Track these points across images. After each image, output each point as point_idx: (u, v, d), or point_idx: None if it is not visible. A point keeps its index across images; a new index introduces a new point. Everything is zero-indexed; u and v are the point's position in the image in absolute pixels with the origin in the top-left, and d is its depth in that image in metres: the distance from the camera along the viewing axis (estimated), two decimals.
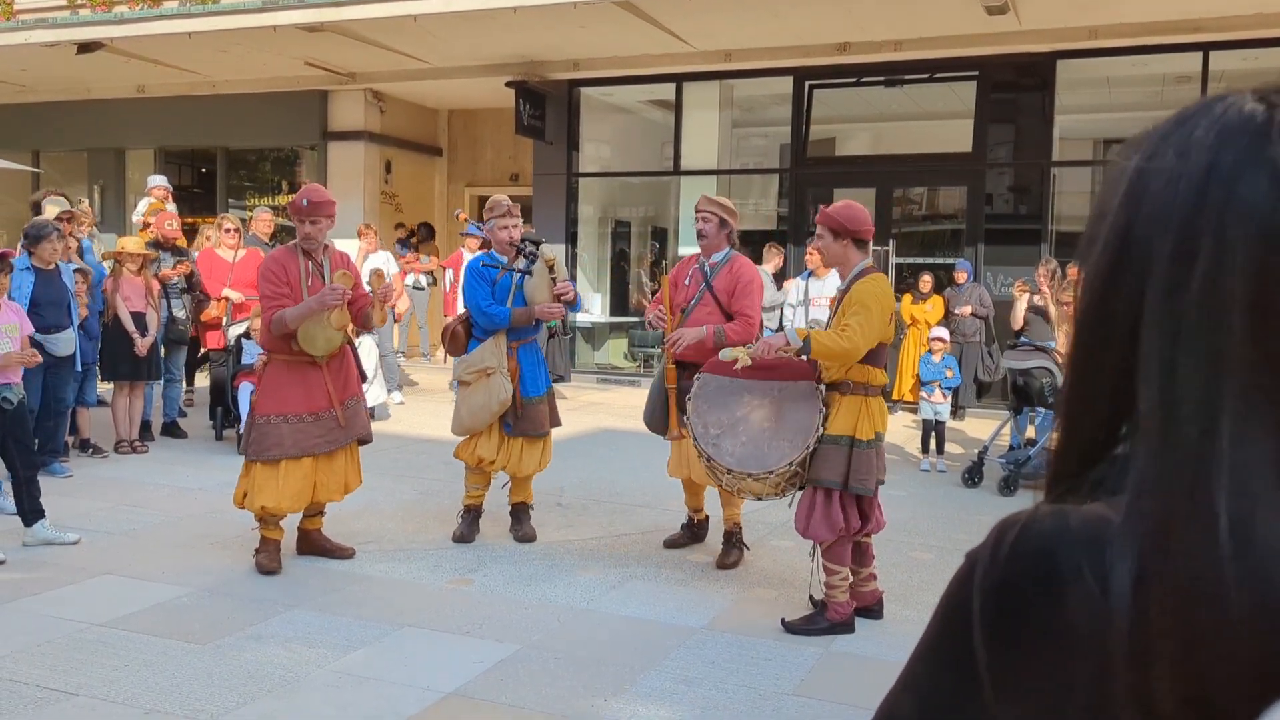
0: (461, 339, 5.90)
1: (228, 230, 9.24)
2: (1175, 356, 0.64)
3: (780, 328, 8.62)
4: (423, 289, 13.43)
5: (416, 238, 14.58)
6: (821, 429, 4.54)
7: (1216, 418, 0.63)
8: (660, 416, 5.69)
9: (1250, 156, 0.64)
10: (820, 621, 4.63)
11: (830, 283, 8.60)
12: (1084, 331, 0.72)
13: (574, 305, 5.94)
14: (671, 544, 5.90)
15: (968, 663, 0.71)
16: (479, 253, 6.69)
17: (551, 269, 5.78)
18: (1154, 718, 0.64)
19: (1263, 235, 0.63)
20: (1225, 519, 0.61)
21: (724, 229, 5.52)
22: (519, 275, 5.77)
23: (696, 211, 5.62)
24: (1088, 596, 0.66)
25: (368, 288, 5.51)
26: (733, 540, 5.64)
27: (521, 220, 5.95)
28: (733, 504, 5.58)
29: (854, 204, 4.75)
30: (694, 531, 5.97)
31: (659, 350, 5.85)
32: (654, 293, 14.30)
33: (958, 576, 0.74)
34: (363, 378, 5.77)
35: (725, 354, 4.67)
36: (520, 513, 6.07)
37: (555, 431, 6.03)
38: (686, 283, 5.60)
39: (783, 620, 4.68)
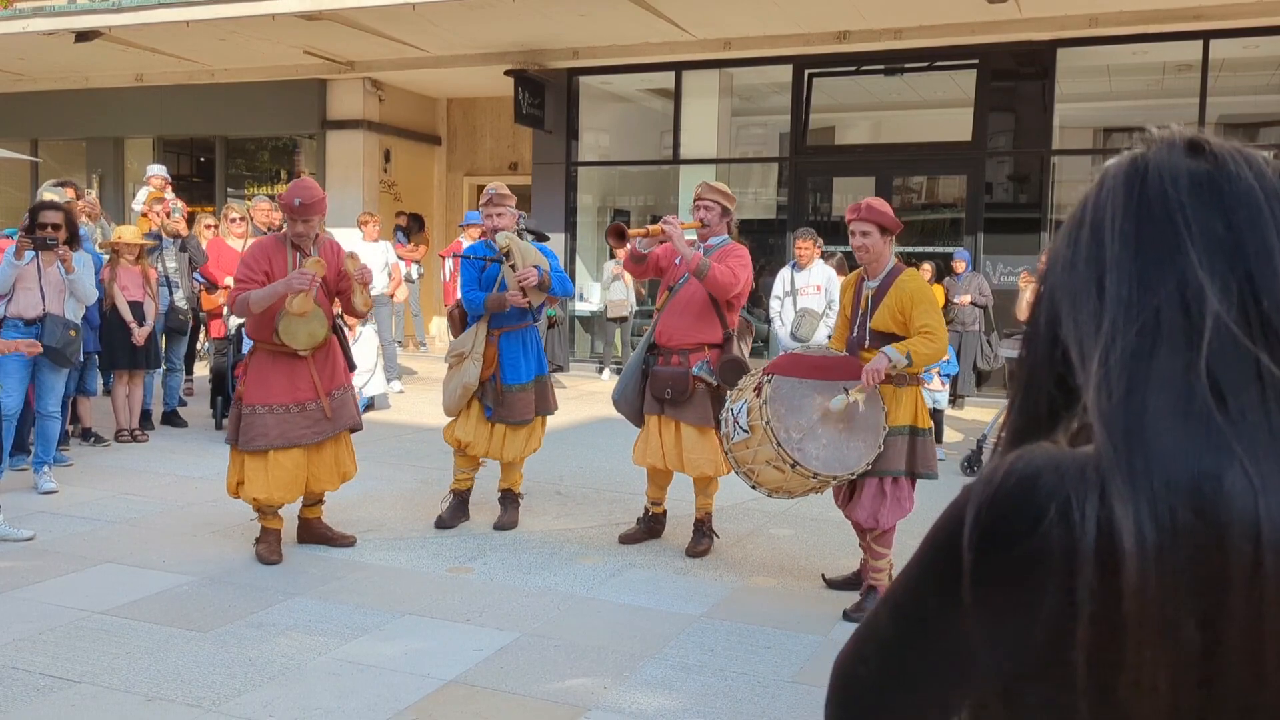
0: (457, 321, 6.05)
1: (233, 220, 9.22)
2: (1079, 318, 0.81)
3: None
4: (413, 281, 13.39)
5: (407, 228, 14.53)
6: (885, 425, 4.61)
7: (1110, 347, 0.77)
8: (635, 396, 5.55)
9: (1102, 183, 0.86)
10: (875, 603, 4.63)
11: (816, 272, 8.52)
12: (1032, 327, 0.88)
13: (549, 289, 5.75)
14: (628, 539, 5.74)
15: (949, 577, 0.79)
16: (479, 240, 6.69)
17: (508, 255, 5.68)
18: (1121, 638, 0.72)
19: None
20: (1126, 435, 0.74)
21: (725, 217, 5.52)
22: (504, 265, 5.75)
23: (698, 199, 5.52)
24: (1067, 522, 0.74)
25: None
26: (703, 529, 5.58)
27: (508, 209, 5.85)
28: (706, 494, 5.56)
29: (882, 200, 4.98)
30: (650, 526, 5.82)
31: (648, 331, 5.66)
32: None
33: (953, 503, 0.83)
34: (352, 367, 5.70)
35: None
36: (506, 500, 6.06)
37: (555, 420, 6.01)
38: (677, 262, 5.44)
39: (845, 612, 4.71)
